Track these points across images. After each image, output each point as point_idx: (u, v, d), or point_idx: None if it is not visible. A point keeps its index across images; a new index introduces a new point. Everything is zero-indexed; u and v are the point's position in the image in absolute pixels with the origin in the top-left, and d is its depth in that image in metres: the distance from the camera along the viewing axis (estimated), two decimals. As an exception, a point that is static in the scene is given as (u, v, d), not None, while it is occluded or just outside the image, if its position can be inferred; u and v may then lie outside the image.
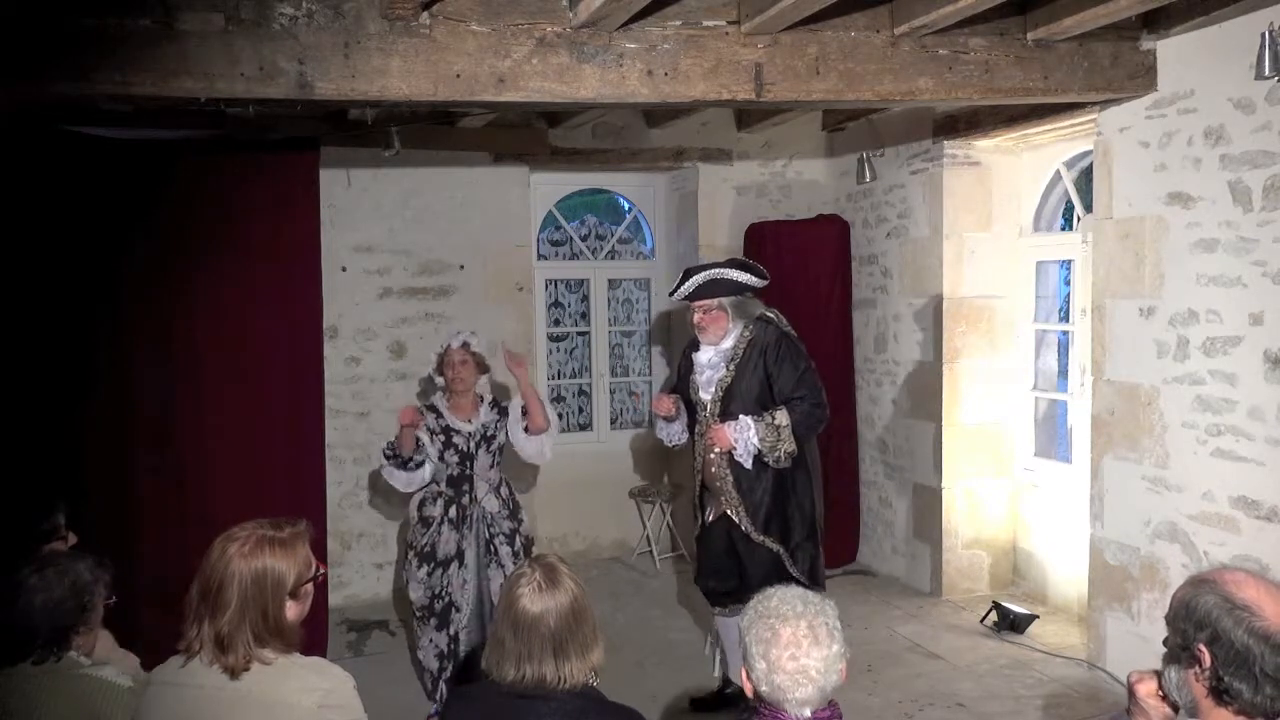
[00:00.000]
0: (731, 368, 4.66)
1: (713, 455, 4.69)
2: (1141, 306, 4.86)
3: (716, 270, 4.69)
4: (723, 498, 4.71)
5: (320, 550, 5.47)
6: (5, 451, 4.58)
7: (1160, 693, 2.00)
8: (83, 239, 5.08)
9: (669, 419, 4.89)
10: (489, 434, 4.83)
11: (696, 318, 4.72)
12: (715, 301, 4.66)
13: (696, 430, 4.82)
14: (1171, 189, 4.67)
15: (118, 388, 5.20)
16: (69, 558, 2.73)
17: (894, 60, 4.41)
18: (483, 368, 4.88)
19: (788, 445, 4.54)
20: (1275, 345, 4.24)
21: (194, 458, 5.31)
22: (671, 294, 4.84)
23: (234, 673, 2.27)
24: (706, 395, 4.72)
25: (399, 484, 4.83)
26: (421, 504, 4.83)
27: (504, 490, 4.90)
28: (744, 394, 4.62)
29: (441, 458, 4.76)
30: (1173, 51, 4.64)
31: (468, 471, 4.78)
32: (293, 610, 2.37)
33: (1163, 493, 4.79)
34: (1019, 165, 6.38)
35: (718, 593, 4.86)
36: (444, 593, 4.74)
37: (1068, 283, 6.26)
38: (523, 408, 4.84)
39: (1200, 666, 1.88)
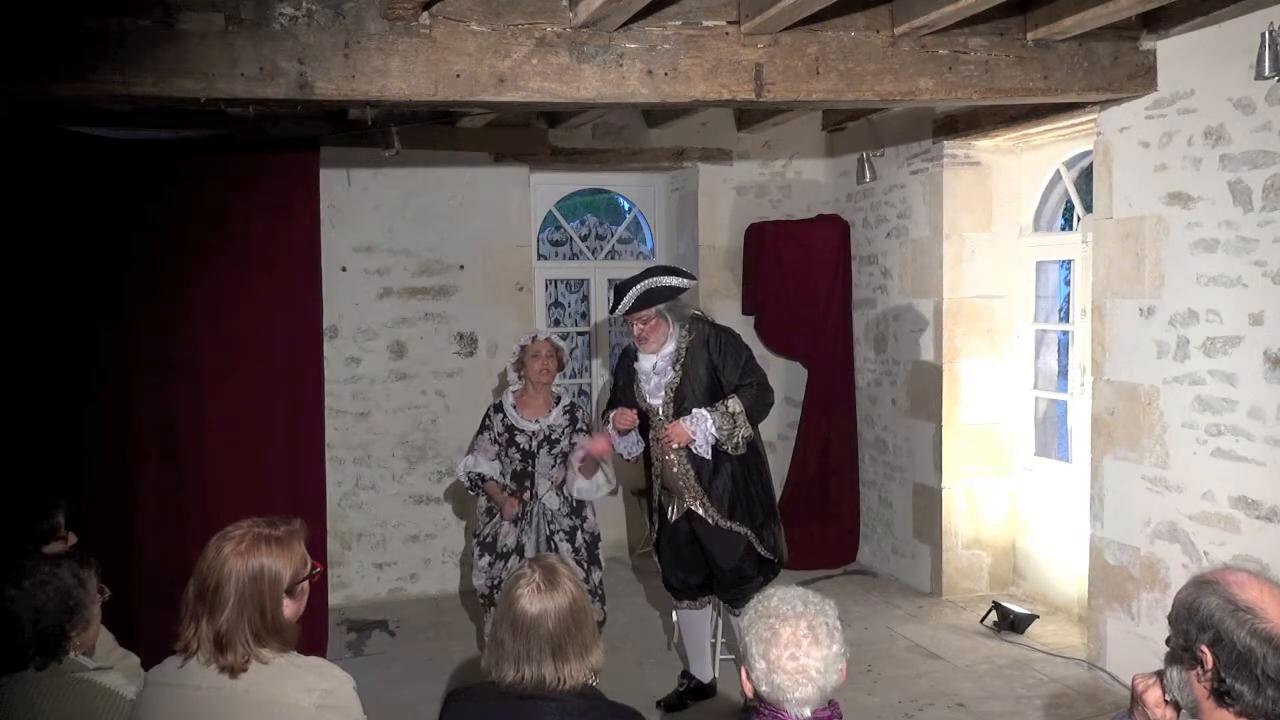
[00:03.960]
0: (678, 369, 4.71)
1: (670, 456, 4.73)
2: (1141, 306, 4.86)
3: (649, 280, 4.66)
4: (686, 495, 4.75)
5: (320, 550, 5.50)
6: (5, 452, 4.58)
7: (1167, 700, 2.00)
8: (83, 239, 5.07)
9: (625, 432, 4.87)
10: (553, 436, 4.93)
11: (637, 330, 4.72)
12: (653, 311, 4.67)
13: (650, 436, 4.85)
14: (1171, 189, 4.67)
15: (117, 388, 5.20)
16: (51, 563, 2.72)
17: (894, 60, 4.40)
18: (561, 364, 5.00)
19: (744, 430, 4.62)
20: (1275, 345, 4.24)
21: (194, 458, 5.31)
22: (611, 313, 4.83)
23: (233, 672, 2.27)
24: (656, 400, 4.76)
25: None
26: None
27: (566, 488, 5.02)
28: (694, 391, 4.68)
29: (505, 455, 4.92)
30: (1173, 51, 4.64)
31: (529, 469, 4.92)
32: (290, 608, 2.37)
33: (1163, 493, 4.78)
34: (1019, 165, 6.37)
35: (689, 586, 4.97)
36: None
37: (1068, 283, 6.25)
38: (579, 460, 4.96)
39: (1202, 668, 1.88)
